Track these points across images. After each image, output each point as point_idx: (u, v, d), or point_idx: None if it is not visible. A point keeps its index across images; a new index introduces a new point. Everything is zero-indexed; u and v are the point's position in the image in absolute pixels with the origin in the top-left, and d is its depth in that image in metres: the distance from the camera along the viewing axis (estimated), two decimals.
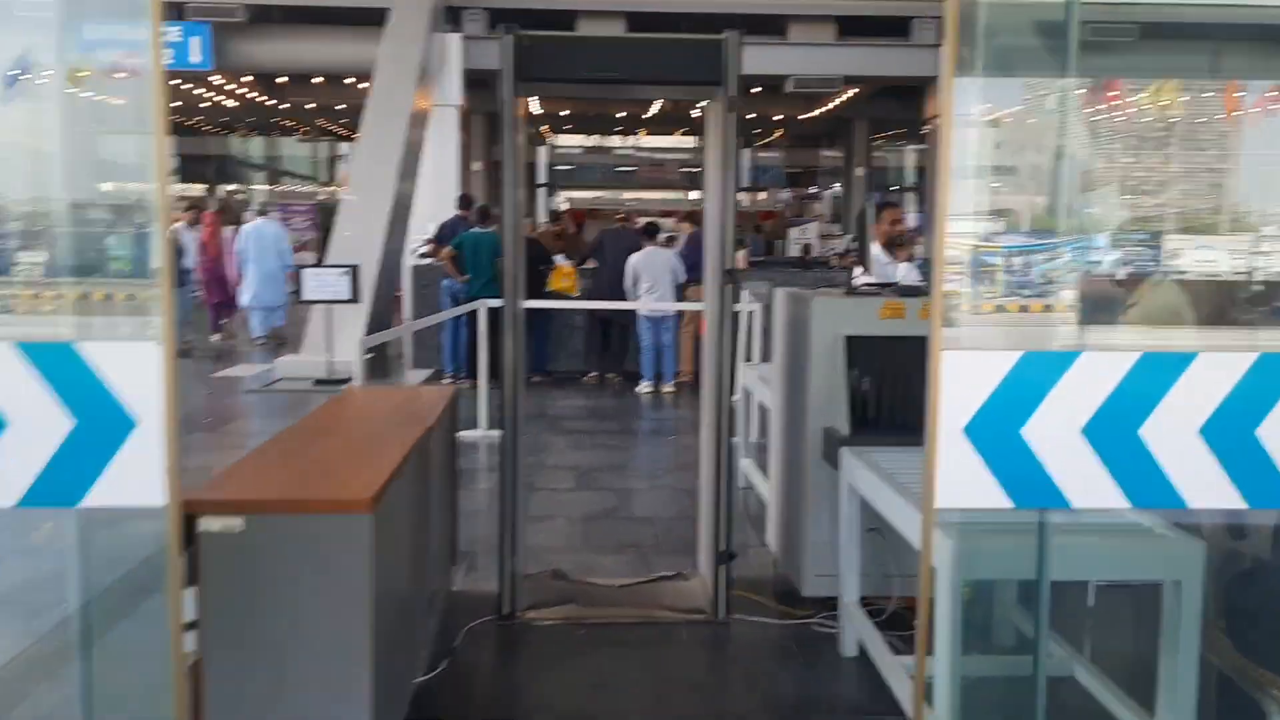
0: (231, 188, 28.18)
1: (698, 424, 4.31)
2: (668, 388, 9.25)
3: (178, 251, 11.63)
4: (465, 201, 10.12)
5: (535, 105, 21.87)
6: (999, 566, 2.72)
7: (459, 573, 4.26)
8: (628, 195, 30.78)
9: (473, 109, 21.86)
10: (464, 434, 6.14)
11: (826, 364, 3.91)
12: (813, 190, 30.10)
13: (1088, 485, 2.10)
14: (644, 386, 9.22)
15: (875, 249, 5.02)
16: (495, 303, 8.50)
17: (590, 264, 10.11)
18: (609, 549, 4.81)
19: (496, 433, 4.47)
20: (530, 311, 8.98)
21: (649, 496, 5.87)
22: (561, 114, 23.01)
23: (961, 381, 2.08)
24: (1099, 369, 2.10)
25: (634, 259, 9.07)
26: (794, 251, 20.60)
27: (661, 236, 9.75)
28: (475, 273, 9.27)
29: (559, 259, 9.91)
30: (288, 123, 25.57)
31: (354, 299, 9.47)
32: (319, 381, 9.26)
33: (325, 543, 2.36)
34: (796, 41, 16.47)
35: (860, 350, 3.91)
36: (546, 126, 27.20)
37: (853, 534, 3.53)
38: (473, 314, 8.87)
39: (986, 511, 2.12)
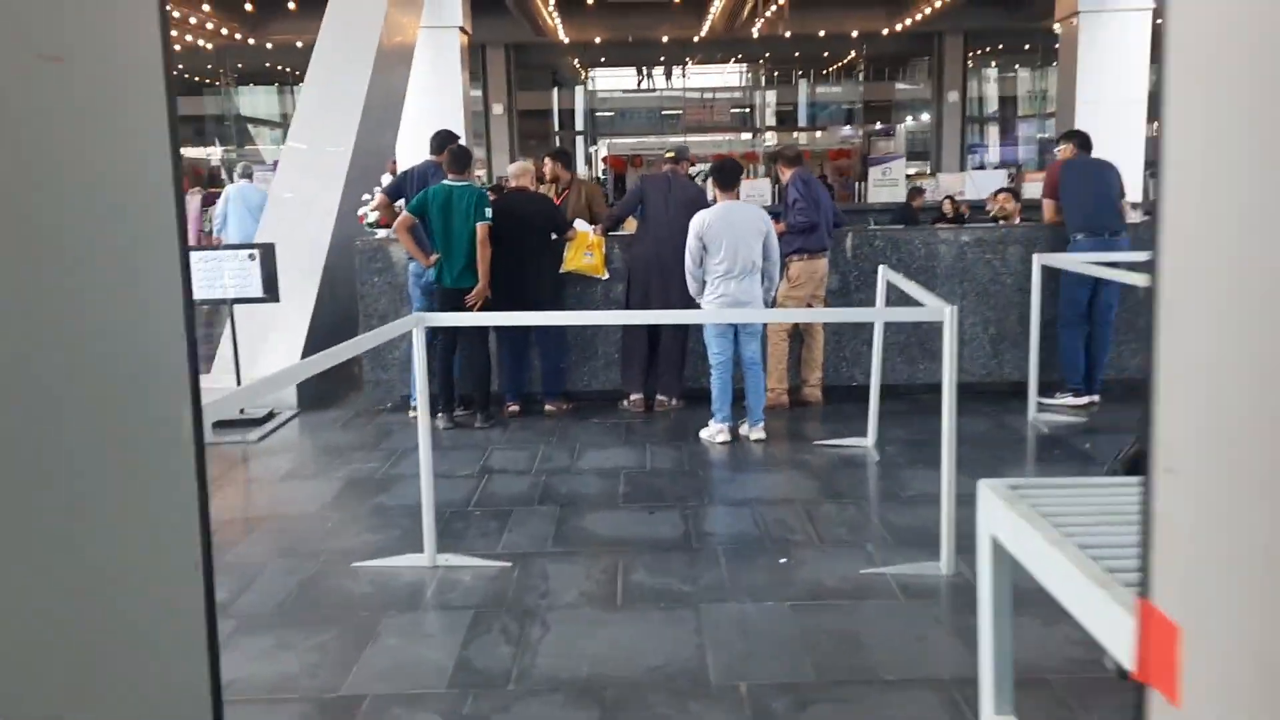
0: (216, 151, 24.71)
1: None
2: (756, 434, 5.81)
3: None
4: (441, 142, 6.67)
5: (563, 32, 18.30)
6: None
7: None
8: (674, 141, 27.07)
9: (485, 40, 18.49)
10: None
11: None
12: (879, 127, 26.07)
13: None
14: (716, 431, 5.72)
15: None
16: (468, 321, 5.43)
17: (629, 227, 6.74)
18: None
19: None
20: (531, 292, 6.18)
21: None
22: (597, 40, 19.37)
23: None
24: None
25: (702, 219, 5.66)
26: (884, 197, 16.97)
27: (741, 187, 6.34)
28: (448, 249, 5.96)
29: (580, 224, 6.55)
30: (281, 67, 22.30)
31: (269, 296, 6.24)
32: (221, 425, 6.07)
33: None
34: None
35: None
36: (579, 62, 23.59)
37: None
38: (453, 310, 5.71)
39: None
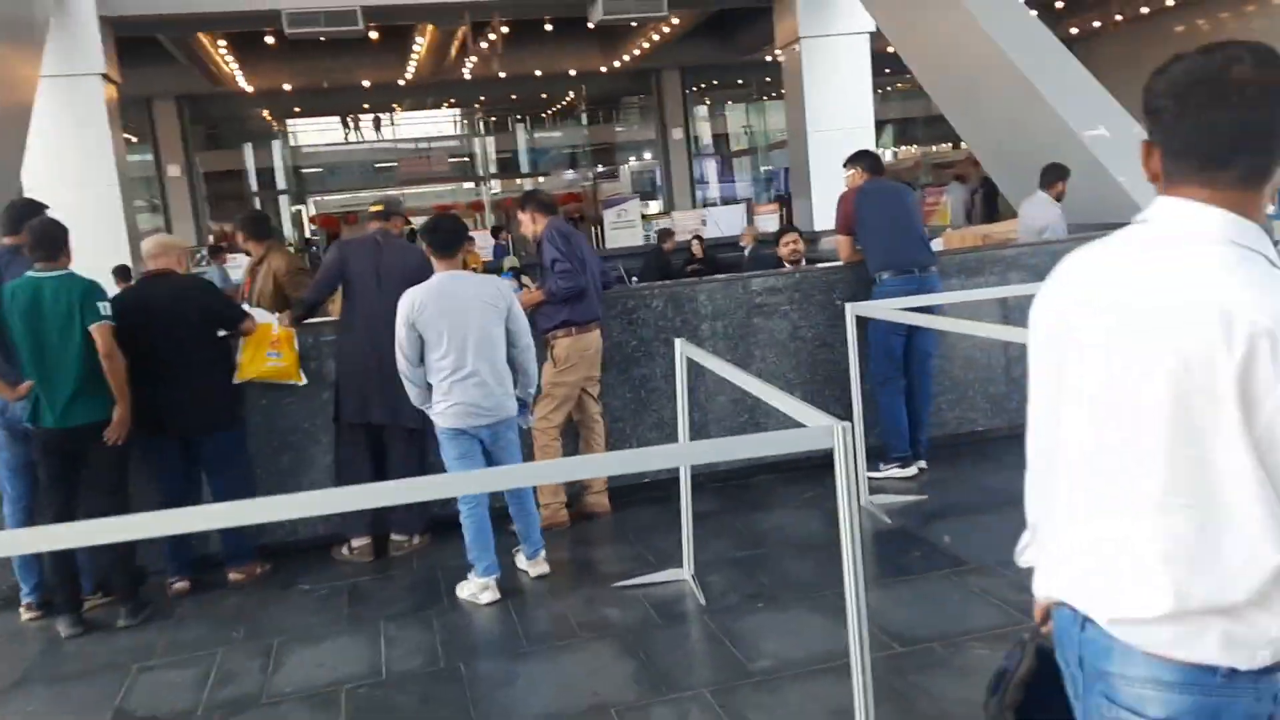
0: None
1: None
2: (537, 568, 4.26)
3: None
4: (17, 216, 4.47)
5: (244, 80, 15.99)
6: None
7: None
8: (405, 191, 24.93)
9: (151, 92, 15.75)
10: None
11: None
12: (603, 170, 25.38)
13: None
14: (479, 588, 4.04)
15: None
16: None
17: (335, 307, 4.99)
18: None
19: None
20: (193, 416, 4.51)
21: None
22: (286, 88, 17.12)
23: None
24: None
25: (411, 300, 4.05)
26: (624, 240, 16.04)
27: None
28: (43, 371, 3.97)
29: (258, 313, 4.73)
30: None
31: None
32: None
33: None
34: None
35: None
36: (269, 113, 21.03)
37: None
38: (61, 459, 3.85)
39: None
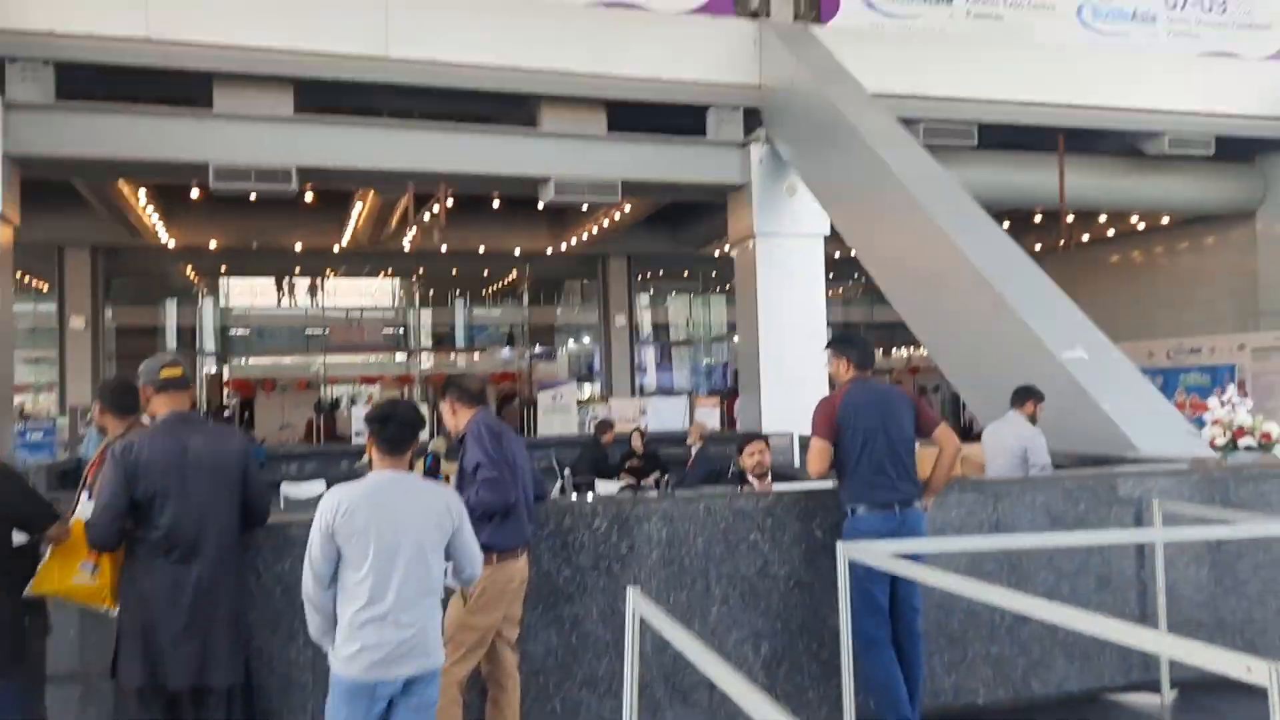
0: None
1: None
2: None
3: None
4: None
5: (167, 234, 15.13)
6: None
7: None
8: (321, 361, 23.91)
9: (63, 240, 14.74)
10: None
11: None
12: (540, 350, 24.81)
13: None
14: None
15: None
16: None
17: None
18: None
19: None
20: None
21: None
22: (212, 246, 16.26)
23: None
24: None
25: (336, 501, 3.01)
26: (557, 427, 15.16)
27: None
28: None
29: (85, 509, 3.59)
30: None
31: None
32: None
33: None
34: (554, 132, 11.43)
35: None
36: (194, 271, 20.09)
37: None
38: None
39: None
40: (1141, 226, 17.08)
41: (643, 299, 21.97)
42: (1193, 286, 16.64)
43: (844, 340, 4.64)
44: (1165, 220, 16.59)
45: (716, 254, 17.61)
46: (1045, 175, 13.21)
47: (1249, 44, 14.11)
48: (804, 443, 6.93)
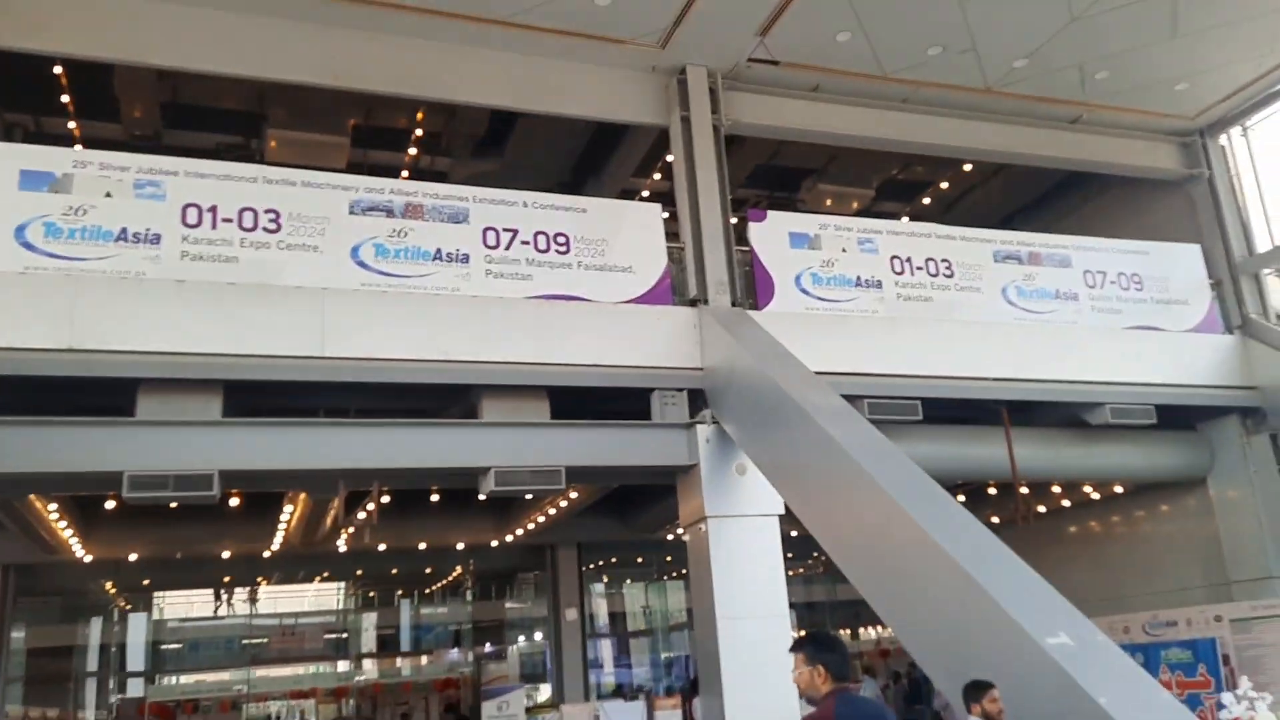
0: None
1: None
2: None
3: None
4: None
5: (82, 548, 14.18)
6: None
7: None
8: (259, 673, 22.01)
9: None
10: None
11: None
12: (490, 649, 23.27)
13: None
14: None
15: None
16: None
17: None
18: None
19: None
20: None
21: None
22: (132, 558, 15.26)
23: None
24: None
25: None
26: None
27: None
28: None
29: None
30: None
31: None
32: None
33: None
34: (495, 421, 11.16)
35: None
36: (113, 585, 18.76)
37: None
38: None
39: None
40: (1096, 496, 16.94)
41: (595, 588, 20.98)
42: (1160, 554, 16.25)
43: (815, 643, 4.03)
44: (1119, 489, 16.49)
45: (670, 538, 17.03)
46: (994, 448, 13.13)
47: (1169, 319, 14.66)
48: None
